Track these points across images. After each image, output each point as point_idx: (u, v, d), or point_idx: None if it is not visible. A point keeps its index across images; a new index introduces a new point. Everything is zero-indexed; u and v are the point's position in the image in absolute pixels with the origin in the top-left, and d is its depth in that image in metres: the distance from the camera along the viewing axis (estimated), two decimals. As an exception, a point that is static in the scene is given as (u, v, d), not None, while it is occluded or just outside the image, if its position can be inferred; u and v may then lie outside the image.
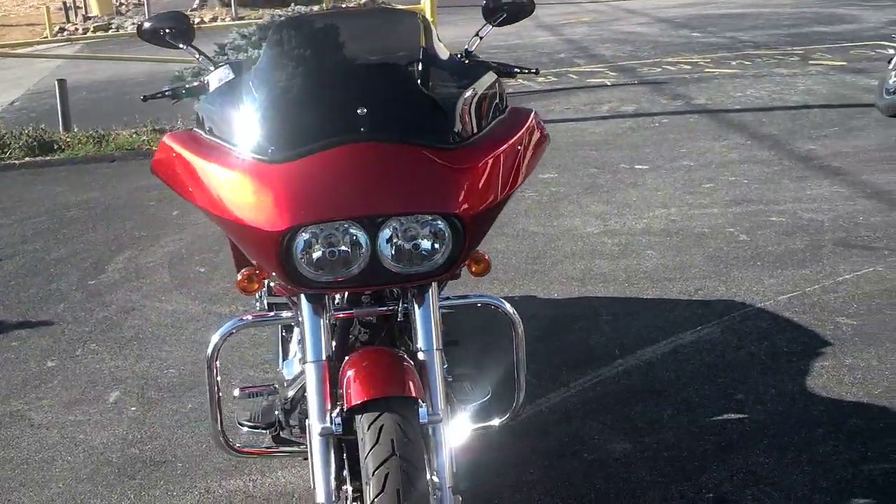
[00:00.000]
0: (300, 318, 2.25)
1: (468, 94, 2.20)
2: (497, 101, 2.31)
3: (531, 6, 2.60)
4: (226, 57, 2.43)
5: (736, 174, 6.01)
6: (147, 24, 2.53)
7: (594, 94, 8.81)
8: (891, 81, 7.44)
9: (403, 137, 2.02)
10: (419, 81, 2.15)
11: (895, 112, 7.22)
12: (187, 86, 2.52)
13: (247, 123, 2.11)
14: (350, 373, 2.16)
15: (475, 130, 2.16)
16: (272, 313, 2.52)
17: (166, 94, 2.59)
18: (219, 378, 2.47)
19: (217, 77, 2.41)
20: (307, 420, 2.20)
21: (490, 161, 2.09)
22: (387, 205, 1.98)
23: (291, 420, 2.63)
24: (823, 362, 3.43)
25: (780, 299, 3.98)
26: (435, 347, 2.28)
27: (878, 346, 3.53)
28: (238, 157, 2.05)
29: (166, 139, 2.26)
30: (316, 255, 2.02)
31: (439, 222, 2.03)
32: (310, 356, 2.19)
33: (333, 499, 2.08)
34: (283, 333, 2.91)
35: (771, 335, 3.68)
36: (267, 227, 1.96)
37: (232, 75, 2.41)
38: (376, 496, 1.92)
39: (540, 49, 12.04)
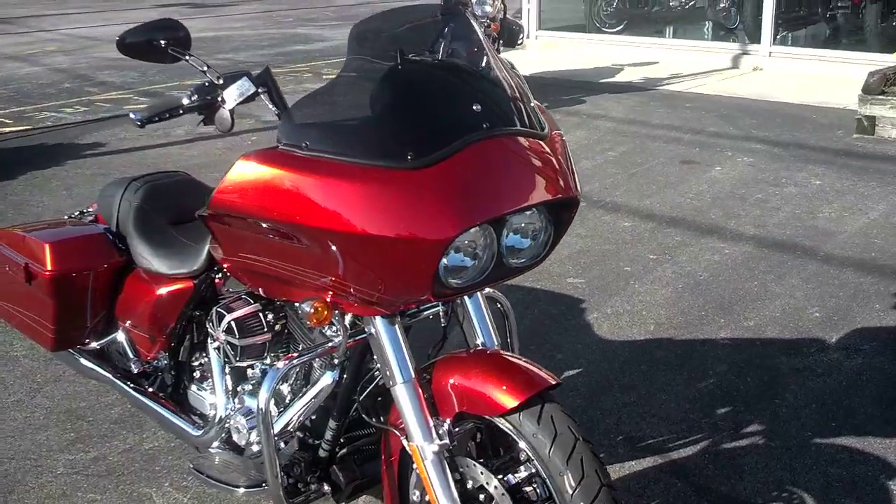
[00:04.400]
0: (380, 341, 2.14)
1: (521, 80, 2.26)
2: None
3: None
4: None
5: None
6: (134, 37, 2.13)
7: (154, 119, 8.47)
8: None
9: (517, 129, 2.05)
10: (503, 72, 2.16)
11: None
12: (188, 104, 2.16)
13: (371, 133, 1.96)
14: (459, 381, 2.12)
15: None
16: (315, 347, 2.29)
17: (166, 117, 2.18)
18: (275, 433, 2.28)
19: (237, 91, 2.13)
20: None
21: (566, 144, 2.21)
22: (535, 194, 2.01)
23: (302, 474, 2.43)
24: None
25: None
26: (495, 341, 2.34)
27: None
28: (370, 170, 1.89)
29: (250, 160, 1.96)
30: (460, 259, 1.97)
31: (560, 211, 2.10)
32: (400, 377, 2.14)
33: None
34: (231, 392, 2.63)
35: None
36: (430, 235, 1.86)
37: (253, 88, 2.15)
38: (579, 482, 1.97)
39: (29, 80, 11.04)
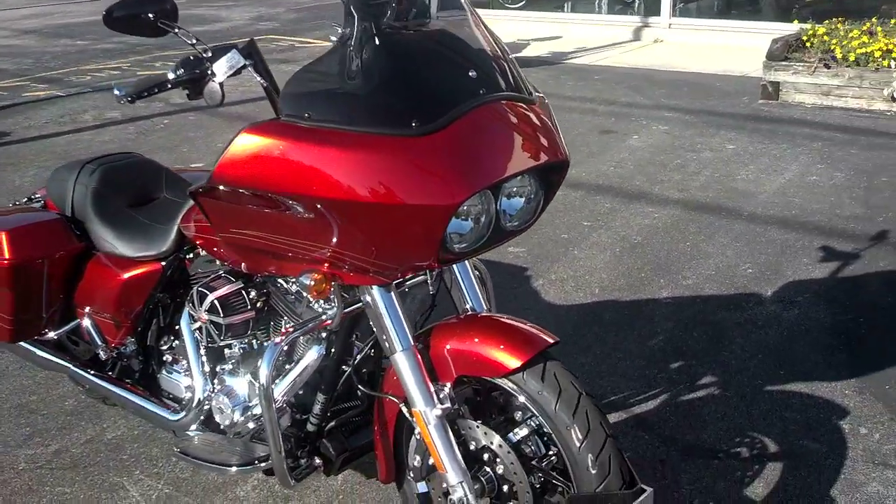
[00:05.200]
0: (378, 310, 2.15)
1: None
2: None
3: None
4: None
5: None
6: (122, 10, 2.08)
7: (58, 107, 8.18)
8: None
9: (510, 94, 2.08)
10: (491, 39, 2.19)
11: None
12: (175, 78, 2.12)
13: (374, 101, 1.95)
14: (457, 346, 2.16)
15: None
16: (309, 321, 2.28)
17: (155, 91, 2.13)
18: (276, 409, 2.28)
19: (227, 64, 2.11)
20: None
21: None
22: (531, 159, 2.05)
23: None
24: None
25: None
26: (484, 305, 2.39)
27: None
28: (375, 138, 1.89)
29: (252, 133, 1.94)
30: (461, 224, 2.00)
31: (551, 174, 2.15)
32: (399, 345, 2.16)
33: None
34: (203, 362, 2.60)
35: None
36: (439, 200, 1.88)
37: (242, 60, 2.13)
38: (586, 435, 2.04)
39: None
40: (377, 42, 2.03)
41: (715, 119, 7.09)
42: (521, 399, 2.11)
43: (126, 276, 2.74)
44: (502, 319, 2.24)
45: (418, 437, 2.28)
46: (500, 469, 2.17)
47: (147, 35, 2.13)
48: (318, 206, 1.93)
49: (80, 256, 2.88)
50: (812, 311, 3.87)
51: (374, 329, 2.21)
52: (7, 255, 2.76)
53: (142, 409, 2.78)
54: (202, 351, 2.61)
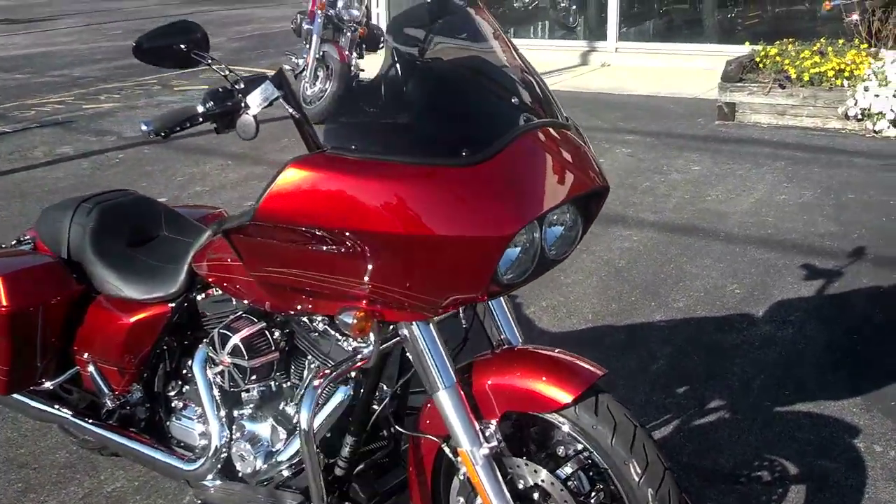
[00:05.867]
0: (419, 346, 2.08)
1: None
2: None
3: None
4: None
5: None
6: (152, 42, 1.99)
7: (6, 143, 7.92)
8: (308, 93, 8.28)
9: (550, 121, 2.05)
10: (528, 66, 2.15)
11: (322, 120, 8.08)
12: (206, 111, 2.03)
13: (421, 132, 1.92)
14: (500, 381, 2.11)
15: None
16: (344, 360, 2.19)
17: (186, 126, 2.03)
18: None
19: (262, 96, 2.03)
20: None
21: None
22: (576, 186, 2.01)
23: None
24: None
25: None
26: (519, 338, 2.34)
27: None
28: (424, 169, 1.83)
29: (298, 167, 1.86)
30: (512, 255, 1.95)
31: (590, 201, 2.11)
32: (442, 382, 2.10)
33: None
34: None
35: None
36: (494, 231, 1.83)
37: (276, 91, 2.05)
38: (645, 469, 2.00)
39: None
40: (420, 73, 2.00)
41: (675, 141, 7.16)
42: (573, 434, 2.05)
43: (132, 319, 2.62)
44: (545, 352, 2.19)
45: (462, 477, 2.20)
46: (551, 507, 2.10)
47: (178, 67, 2.04)
48: (368, 240, 1.86)
49: (79, 300, 2.75)
50: (806, 330, 3.89)
51: (415, 366, 2.14)
52: (4, 302, 2.62)
53: (151, 459, 2.65)
54: (217, 396, 2.51)
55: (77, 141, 7.95)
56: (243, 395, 2.49)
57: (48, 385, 2.85)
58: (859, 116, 6.90)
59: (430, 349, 2.09)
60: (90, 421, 2.79)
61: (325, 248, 1.92)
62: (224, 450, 2.48)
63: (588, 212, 2.10)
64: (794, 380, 3.50)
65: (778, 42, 7.74)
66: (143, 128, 2.03)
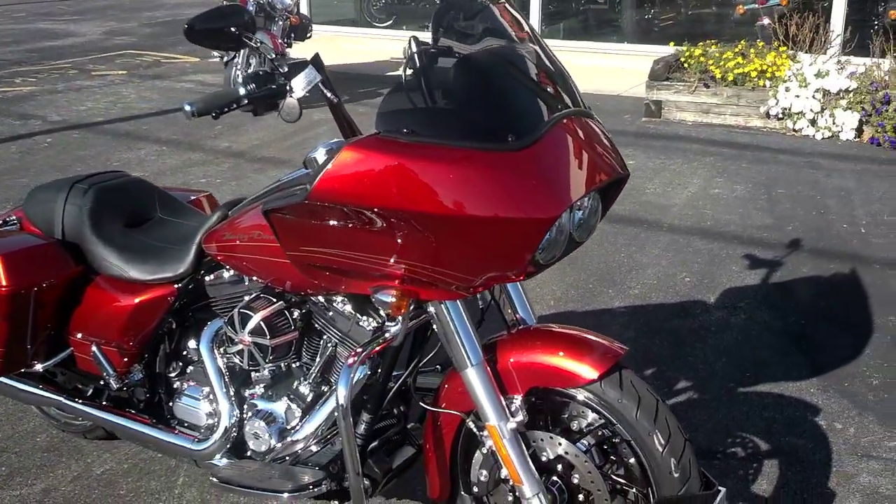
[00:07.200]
0: (449, 325, 2.16)
1: None
2: None
3: None
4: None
5: (212, 174, 6.14)
6: (205, 24, 2.01)
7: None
8: (240, 79, 8.19)
9: (580, 109, 2.15)
10: (555, 58, 2.24)
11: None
12: (248, 93, 2.05)
13: (470, 117, 1.99)
14: (523, 359, 2.20)
15: None
16: (373, 339, 2.23)
17: (233, 107, 2.05)
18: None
19: (306, 79, 2.07)
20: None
21: None
22: (606, 170, 2.11)
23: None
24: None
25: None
26: (533, 317, 2.44)
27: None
28: (473, 153, 1.91)
29: (353, 150, 1.90)
30: (552, 234, 2.04)
31: (611, 187, 2.22)
32: (471, 360, 2.17)
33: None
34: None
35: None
36: (540, 213, 1.92)
37: (319, 76, 2.09)
38: (668, 440, 2.12)
39: None
40: (464, 63, 2.08)
41: (607, 136, 7.35)
42: (597, 408, 2.16)
43: (136, 300, 2.60)
44: (566, 331, 2.28)
45: (485, 451, 2.28)
46: (575, 478, 2.20)
47: (226, 48, 2.07)
48: (417, 220, 1.91)
49: (75, 281, 2.71)
50: (757, 316, 4.10)
51: (442, 343, 2.20)
52: (4, 282, 2.57)
53: (153, 440, 2.64)
54: (227, 376, 2.52)
55: (0, 125, 7.68)
56: (253, 374, 2.51)
57: (38, 367, 2.79)
58: (780, 115, 7.23)
59: (458, 327, 2.16)
60: (85, 402, 2.76)
61: (371, 227, 1.97)
62: (235, 429, 2.49)
63: (607, 197, 2.21)
64: (754, 363, 3.69)
65: (701, 43, 8.03)
66: (186, 108, 2.04)
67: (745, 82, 7.46)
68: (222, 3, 8.53)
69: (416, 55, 2.21)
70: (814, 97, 7.01)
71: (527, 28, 2.24)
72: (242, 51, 8.24)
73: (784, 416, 3.31)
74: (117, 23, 14.76)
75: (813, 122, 7.09)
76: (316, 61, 2.13)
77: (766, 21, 8.82)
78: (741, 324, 4.02)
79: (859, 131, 6.96)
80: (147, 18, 15.25)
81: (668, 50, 8.27)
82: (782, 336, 3.92)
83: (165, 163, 6.56)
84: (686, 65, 7.89)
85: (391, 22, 12.64)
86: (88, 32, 13.60)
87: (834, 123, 6.98)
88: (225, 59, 8.36)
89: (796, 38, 7.76)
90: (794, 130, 7.19)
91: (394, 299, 2.06)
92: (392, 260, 2.02)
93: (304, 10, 12.24)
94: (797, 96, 7.06)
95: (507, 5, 2.24)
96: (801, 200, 5.68)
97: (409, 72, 2.17)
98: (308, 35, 9.05)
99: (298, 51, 9.05)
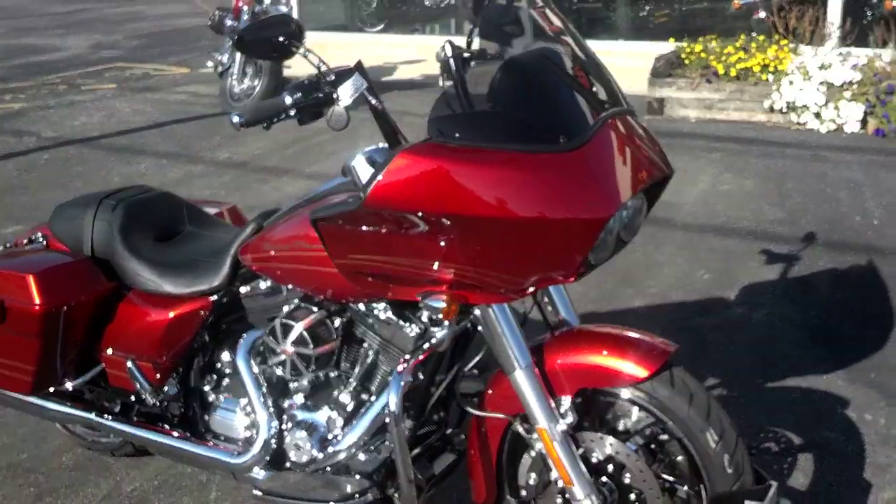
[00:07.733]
0: (497, 328, 2.15)
1: None
2: None
3: None
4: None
5: (216, 185, 6.12)
6: (254, 34, 2.01)
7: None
8: (236, 90, 8.18)
9: (624, 108, 2.14)
10: (596, 58, 2.23)
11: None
12: (295, 102, 2.04)
13: (520, 120, 2.00)
14: (571, 360, 2.19)
15: None
16: (420, 345, 2.22)
17: (280, 118, 2.04)
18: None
19: (353, 87, 2.05)
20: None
21: None
22: (656, 169, 2.11)
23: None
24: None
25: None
26: (576, 317, 2.42)
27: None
28: (525, 155, 1.92)
29: (407, 156, 1.90)
30: (604, 234, 2.03)
31: (655, 186, 2.21)
32: (520, 362, 2.16)
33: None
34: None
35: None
36: (593, 213, 1.93)
37: (365, 83, 2.08)
38: (721, 436, 2.11)
39: None
40: (511, 63, 2.07)
41: (611, 135, 7.34)
42: (647, 406, 2.15)
43: (172, 314, 2.58)
44: (613, 331, 2.28)
45: (534, 454, 2.26)
46: (626, 478, 2.18)
47: (276, 58, 2.07)
48: (471, 224, 1.92)
49: (106, 298, 2.69)
50: (779, 311, 4.08)
51: (490, 346, 2.19)
52: (38, 300, 2.54)
53: (191, 455, 2.61)
54: (264, 387, 2.50)
55: (-3, 142, 7.65)
56: (291, 384, 2.49)
57: (68, 385, 2.77)
58: (784, 109, 7.23)
59: (506, 329, 2.15)
60: (118, 419, 2.73)
61: (422, 233, 1.95)
62: (274, 440, 2.47)
63: (651, 197, 2.20)
64: (778, 358, 3.67)
65: (701, 38, 8.03)
66: (235, 119, 2.03)
67: (748, 77, 7.46)
68: (213, 15, 8.50)
69: (451, 60, 2.21)
70: (818, 90, 7.01)
71: (569, 28, 2.23)
72: (237, 61, 8.25)
73: (814, 409, 3.29)
74: (102, 35, 14.66)
75: (817, 115, 7.08)
76: (360, 68, 2.11)
77: (761, 14, 8.83)
78: (763, 319, 4.01)
79: (863, 123, 6.96)
80: (132, 31, 15.16)
81: (665, 46, 8.25)
82: (805, 330, 3.90)
83: (167, 176, 6.52)
84: (687, 61, 7.89)
85: (382, 27, 12.63)
86: (74, 46, 13.50)
87: (838, 116, 6.98)
88: (219, 69, 8.34)
89: (796, 30, 7.77)
90: (799, 124, 7.19)
91: (444, 304, 2.06)
92: (442, 265, 2.01)
93: (294, 16, 12.25)
94: (801, 89, 7.06)
95: (546, 7, 2.23)
96: (812, 194, 5.68)
97: (447, 77, 2.16)
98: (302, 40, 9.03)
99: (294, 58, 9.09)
